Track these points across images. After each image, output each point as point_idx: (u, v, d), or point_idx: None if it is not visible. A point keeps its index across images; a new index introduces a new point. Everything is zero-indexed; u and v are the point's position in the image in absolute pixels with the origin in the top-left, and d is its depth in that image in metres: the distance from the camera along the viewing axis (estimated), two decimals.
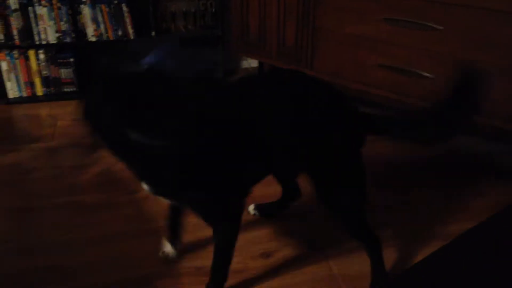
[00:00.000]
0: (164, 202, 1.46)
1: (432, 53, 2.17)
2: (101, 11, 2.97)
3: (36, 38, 2.95)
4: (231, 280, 1.54)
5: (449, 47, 2.11)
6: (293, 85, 1.38)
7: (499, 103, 2.02)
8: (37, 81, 3.02)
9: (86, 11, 2.96)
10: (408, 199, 2.01)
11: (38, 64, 2.98)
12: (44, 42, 2.96)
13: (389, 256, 1.64)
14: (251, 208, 1.87)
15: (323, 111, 1.34)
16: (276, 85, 1.37)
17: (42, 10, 2.90)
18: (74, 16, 2.96)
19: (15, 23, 2.88)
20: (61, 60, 3.00)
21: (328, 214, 1.46)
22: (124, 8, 2.98)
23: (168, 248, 1.66)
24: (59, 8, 2.91)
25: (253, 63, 3.55)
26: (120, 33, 3.03)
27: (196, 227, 1.80)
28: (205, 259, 1.63)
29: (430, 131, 1.36)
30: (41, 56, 2.97)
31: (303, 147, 1.35)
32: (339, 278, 1.57)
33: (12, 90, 3.00)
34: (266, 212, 1.86)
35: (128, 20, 3.01)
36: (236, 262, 1.62)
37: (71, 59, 3.01)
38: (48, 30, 2.94)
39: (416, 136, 1.39)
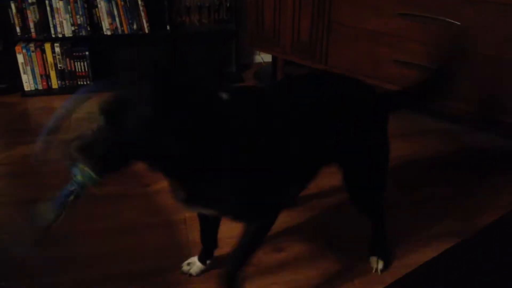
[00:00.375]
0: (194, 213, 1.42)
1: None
2: (117, 4, 2.98)
3: (52, 31, 2.97)
4: (245, 274, 1.54)
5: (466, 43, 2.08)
6: (323, 84, 1.42)
7: None
8: (53, 74, 3.04)
9: (102, 4, 2.97)
10: (419, 197, 2.00)
11: (54, 57, 3.01)
12: (60, 36, 2.99)
13: (399, 254, 1.64)
14: None
15: (357, 104, 1.40)
16: (307, 87, 1.39)
17: (58, 4, 2.92)
18: (90, 10, 2.98)
19: (32, 16, 2.91)
20: (76, 54, 3.02)
21: (351, 198, 1.50)
22: (140, 2, 2.99)
23: (194, 265, 1.58)
24: (75, 2, 2.93)
25: (266, 57, 3.54)
26: (135, 27, 3.04)
27: None
28: (215, 252, 1.64)
29: (433, 92, 1.55)
30: (57, 49, 2.99)
31: (340, 141, 1.38)
32: (352, 273, 1.57)
33: (28, 83, 3.03)
34: None
35: (143, 14, 3.02)
36: None
37: (86, 53, 3.03)
38: (64, 24, 2.96)
39: (425, 100, 1.65)
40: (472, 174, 2.15)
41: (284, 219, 1.80)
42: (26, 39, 2.97)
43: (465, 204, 1.93)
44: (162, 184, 2.03)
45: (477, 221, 1.78)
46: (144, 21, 3.03)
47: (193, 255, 1.62)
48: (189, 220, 1.81)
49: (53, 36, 2.98)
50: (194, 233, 1.73)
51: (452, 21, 2.09)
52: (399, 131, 2.48)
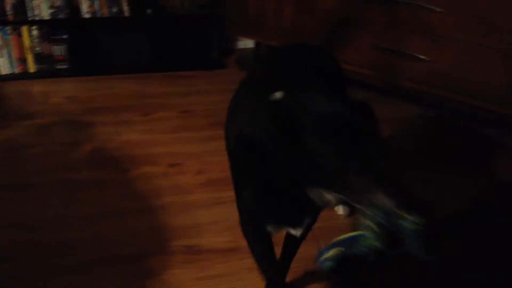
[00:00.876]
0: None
1: (430, 36, 2.15)
2: None
3: (30, 13, 2.89)
4: (223, 259, 1.54)
5: (448, 30, 2.09)
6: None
7: (496, 88, 2.01)
8: (30, 58, 2.97)
9: None
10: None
11: (31, 41, 2.94)
12: (37, 18, 2.91)
13: None
14: None
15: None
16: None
17: None
18: None
19: None
20: (55, 37, 2.95)
21: None
22: None
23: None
24: None
25: (249, 43, 3.51)
26: (115, 10, 2.98)
27: (188, 207, 1.79)
28: (195, 238, 1.63)
29: None
30: (34, 33, 2.92)
31: None
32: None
33: (4, 67, 2.95)
34: None
35: None
36: (228, 241, 1.62)
37: (65, 36, 2.96)
38: (41, 6, 2.89)
39: None
40: (454, 158, 2.17)
41: None
42: (2, 21, 2.88)
43: (446, 186, 1.95)
44: (141, 169, 2.02)
45: (459, 203, 1.80)
46: (125, 4, 2.97)
47: (172, 241, 1.61)
48: (167, 205, 1.79)
49: (30, 19, 2.90)
50: (172, 219, 1.72)
51: (435, 8, 2.09)
52: (381, 117, 2.49)
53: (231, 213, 1.75)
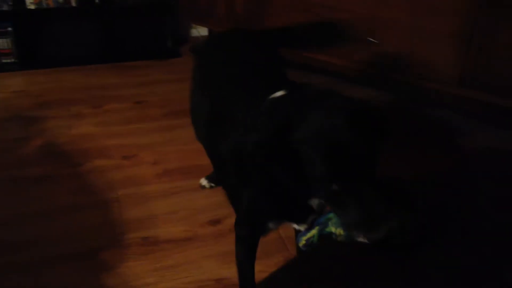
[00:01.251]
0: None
1: (380, 20, 2.18)
2: None
3: None
4: (180, 248, 1.53)
5: (394, 13, 2.12)
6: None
7: (444, 68, 2.06)
8: None
9: None
10: None
11: None
12: None
13: None
14: (203, 181, 1.84)
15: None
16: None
17: None
18: None
19: None
20: None
21: None
22: None
23: None
24: None
25: (203, 31, 3.47)
26: (61, 0, 2.89)
27: (143, 199, 1.77)
28: (151, 229, 1.61)
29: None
30: None
31: None
32: (286, 239, 1.58)
33: None
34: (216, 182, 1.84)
35: None
36: (184, 230, 1.61)
37: (9, 29, 2.85)
38: None
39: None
40: (405, 141, 2.21)
41: (218, 194, 1.79)
42: None
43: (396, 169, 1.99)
44: (94, 163, 1.98)
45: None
46: None
47: (128, 233, 1.58)
48: (122, 198, 1.76)
49: None
50: (127, 212, 1.69)
51: None
52: None
53: (188, 201, 1.76)
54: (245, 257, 1.26)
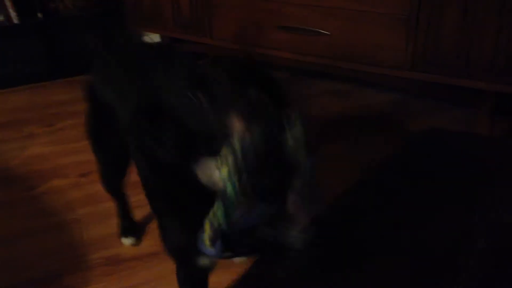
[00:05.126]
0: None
1: (325, 10, 2.18)
2: None
3: None
4: (145, 265, 1.49)
5: (343, 2, 2.12)
6: None
7: (391, 52, 2.08)
8: None
9: None
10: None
11: None
12: None
13: None
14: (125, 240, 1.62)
15: None
16: None
17: None
18: None
19: None
20: None
21: None
22: None
23: None
24: None
25: (155, 37, 3.41)
26: (1, 18, 2.78)
27: (104, 217, 1.71)
28: (115, 247, 1.56)
29: None
30: None
31: None
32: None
33: None
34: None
35: (8, 3, 2.75)
36: (149, 245, 1.57)
37: None
38: None
39: None
40: (363, 129, 2.23)
41: None
42: None
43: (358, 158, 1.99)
44: (50, 183, 1.91)
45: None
46: (11, 10, 2.77)
47: (90, 254, 1.53)
48: (82, 218, 1.70)
49: None
50: (89, 231, 1.64)
51: None
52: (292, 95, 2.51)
53: (151, 215, 1.71)
54: None
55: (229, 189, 0.70)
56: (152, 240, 1.58)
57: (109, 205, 1.76)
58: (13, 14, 2.78)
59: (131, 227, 1.61)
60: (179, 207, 0.87)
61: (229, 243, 0.78)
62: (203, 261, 0.91)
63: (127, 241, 1.58)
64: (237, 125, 0.69)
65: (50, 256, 1.55)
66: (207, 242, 0.75)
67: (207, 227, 0.75)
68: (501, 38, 1.78)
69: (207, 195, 0.75)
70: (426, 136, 2.02)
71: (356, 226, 1.45)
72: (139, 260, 1.51)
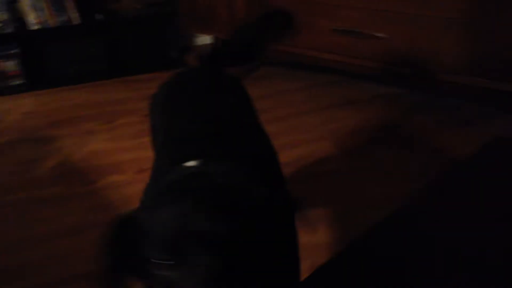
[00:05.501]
0: None
1: (384, 13, 2.15)
2: None
3: None
4: None
5: (400, 5, 2.10)
6: None
7: (449, 57, 2.03)
8: None
9: None
10: (367, 162, 2.01)
11: None
12: None
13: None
14: None
15: None
16: None
17: None
18: (10, 5, 2.81)
19: None
20: (5, 53, 2.86)
21: None
22: None
23: None
24: None
25: (206, 39, 3.47)
26: (63, 18, 2.90)
27: None
28: None
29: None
30: None
31: None
32: None
33: None
34: None
35: (70, 4, 2.88)
36: None
37: (16, 50, 2.87)
38: None
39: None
40: (417, 135, 2.19)
41: None
42: None
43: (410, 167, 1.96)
44: (108, 179, 1.98)
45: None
46: (73, 11, 2.89)
47: None
48: None
49: None
50: None
51: None
52: (346, 99, 2.49)
53: None
54: None
55: None
56: None
57: None
58: (74, 15, 2.90)
59: None
60: None
61: None
62: None
63: None
64: None
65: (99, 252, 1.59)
66: None
67: None
68: None
69: None
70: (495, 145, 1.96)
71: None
72: None
